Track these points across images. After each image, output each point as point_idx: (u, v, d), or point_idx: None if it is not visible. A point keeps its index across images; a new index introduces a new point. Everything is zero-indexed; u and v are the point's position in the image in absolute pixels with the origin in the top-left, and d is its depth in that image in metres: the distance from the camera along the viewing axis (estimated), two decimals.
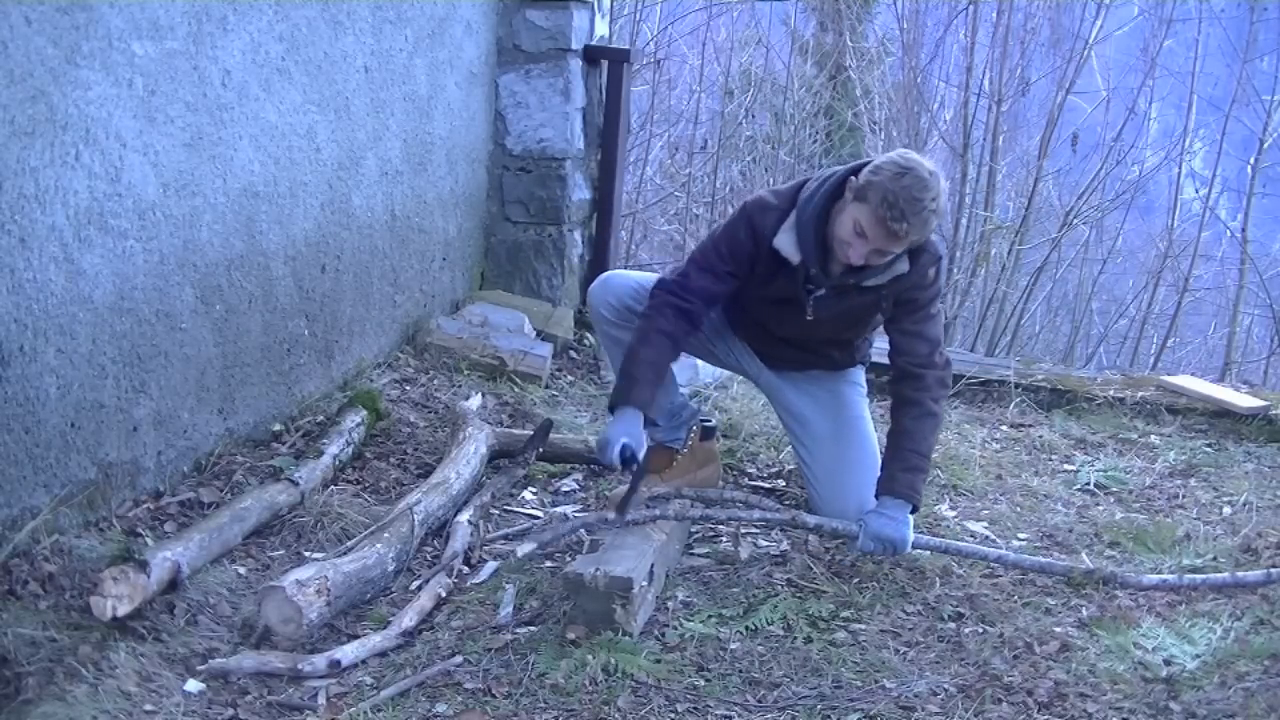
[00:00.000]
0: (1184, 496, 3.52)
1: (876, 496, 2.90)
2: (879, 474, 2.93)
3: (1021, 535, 3.22)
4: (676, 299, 2.94)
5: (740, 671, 2.43)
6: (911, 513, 2.86)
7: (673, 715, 2.28)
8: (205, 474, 3.13)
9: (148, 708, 2.22)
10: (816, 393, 3.19)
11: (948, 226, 7.72)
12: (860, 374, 3.28)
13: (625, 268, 5.82)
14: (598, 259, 5.04)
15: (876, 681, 2.41)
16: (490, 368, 4.21)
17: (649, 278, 3.18)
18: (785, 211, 2.90)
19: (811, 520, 2.93)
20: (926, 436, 2.94)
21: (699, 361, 3.79)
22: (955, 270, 7.77)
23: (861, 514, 2.94)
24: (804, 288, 2.93)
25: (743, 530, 3.08)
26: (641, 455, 2.80)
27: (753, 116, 9.50)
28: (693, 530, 3.08)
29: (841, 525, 2.90)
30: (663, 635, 2.57)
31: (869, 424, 3.20)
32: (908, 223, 2.66)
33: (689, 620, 2.62)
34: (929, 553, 2.94)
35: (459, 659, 2.46)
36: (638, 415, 2.84)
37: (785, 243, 2.88)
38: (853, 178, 2.75)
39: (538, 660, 2.42)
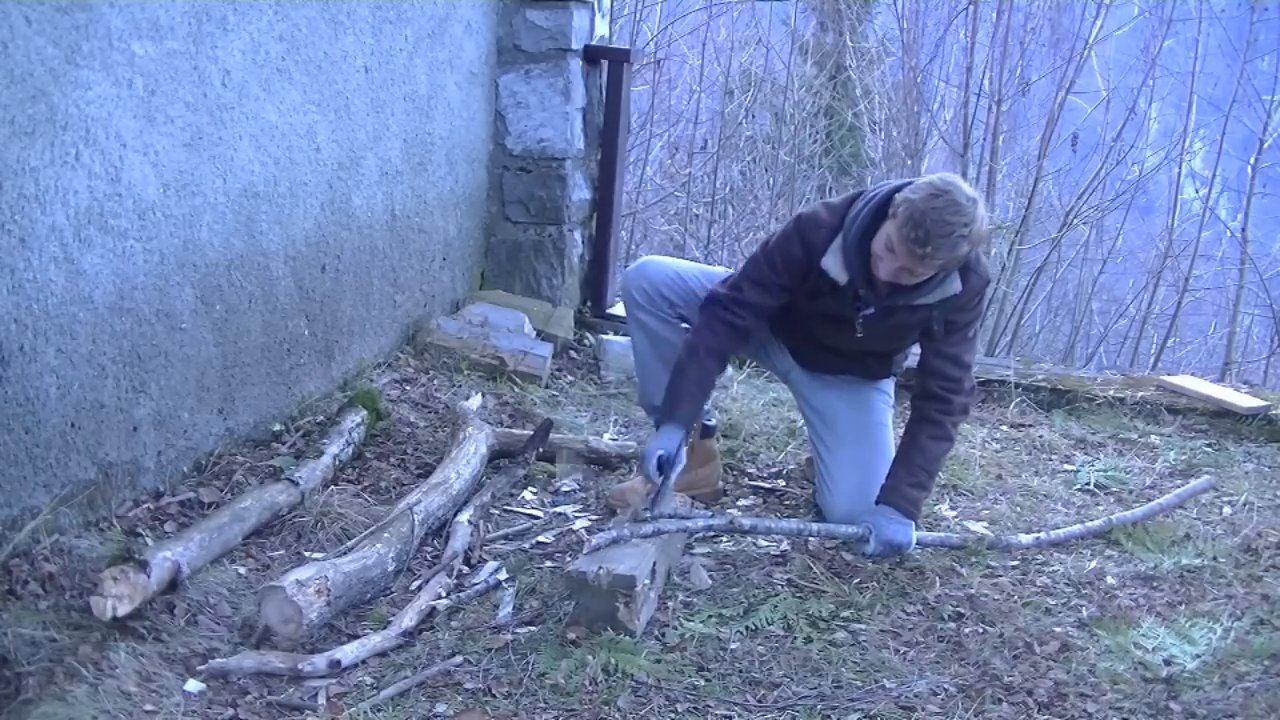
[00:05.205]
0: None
1: (877, 501, 2.92)
2: (885, 480, 2.95)
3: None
4: (729, 314, 2.95)
5: (740, 671, 2.43)
6: None
7: (673, 715, 2.28)
8: (205, 474, 3.13)
9: (148, 708, 2.22)
10: (844, 394, 3.20)
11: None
12: (890, 384, 3.29)
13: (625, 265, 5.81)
14: (598, 259, 5.04)
15: (876, 681, 2.41)
16: (490, 368, 4.21)
17: (688, 268, 3.21)
18: (836, 229, 2.86)
19: (817, 527, 2.96)
20: (939, 458, 3.00)
21: None
22: None
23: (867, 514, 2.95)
24: (853, 305, 2.92)
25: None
26: (678, 469, 2.84)
27: (753, 116, 9.51)
28: None
29: (848, 531, 2.92)
30: (663, 635, 2.57)
31: (890, 432, 3.22)
32: (931, 245, 2.62)
33: (689, 620, 2.62)
34: (929, 551, 2.96)
35: (459, 659, 2.46)
36: (680, 431, 2.87)
37: (833, 264, 2.86)
38: (896, 195, 2.71)
39: (538, 660, 2.42)
